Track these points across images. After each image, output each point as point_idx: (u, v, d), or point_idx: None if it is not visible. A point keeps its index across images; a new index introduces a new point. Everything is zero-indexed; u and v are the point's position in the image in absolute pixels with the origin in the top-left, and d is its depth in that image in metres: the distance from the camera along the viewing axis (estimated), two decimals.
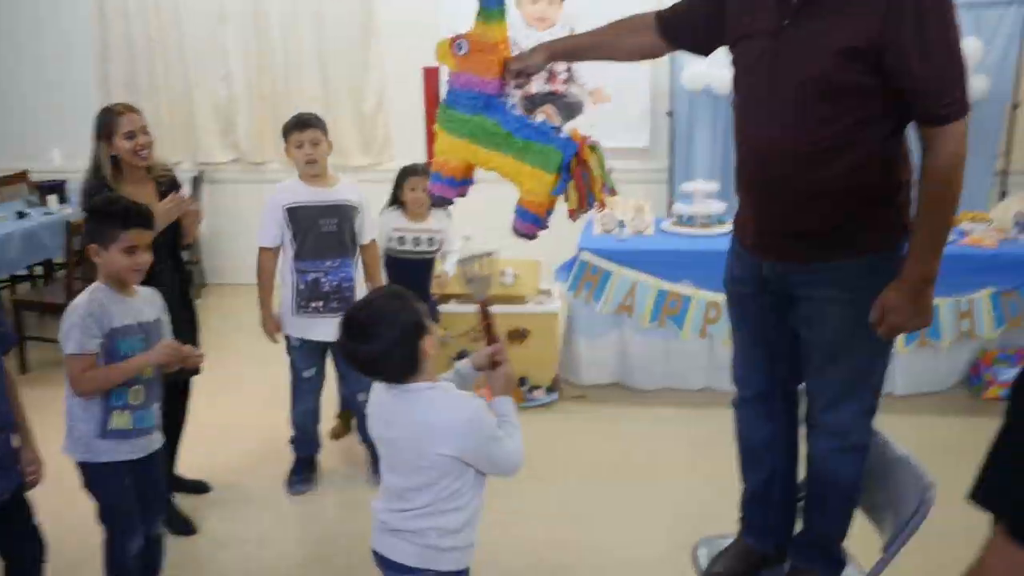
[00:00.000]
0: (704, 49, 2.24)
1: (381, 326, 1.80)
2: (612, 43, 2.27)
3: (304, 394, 3.41)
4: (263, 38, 5.91)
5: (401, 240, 3.64)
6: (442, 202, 2.23)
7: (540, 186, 1.97)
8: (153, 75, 6.09)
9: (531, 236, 2.04)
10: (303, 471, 3.42)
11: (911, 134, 1.99)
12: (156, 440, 2.48)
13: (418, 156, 5.85)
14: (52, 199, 5.40)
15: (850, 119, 1.90)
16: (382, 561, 1.94)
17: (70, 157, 6.09)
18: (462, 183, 2.13)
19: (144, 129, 2.96)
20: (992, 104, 4.93)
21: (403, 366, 1.82)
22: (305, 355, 3.34)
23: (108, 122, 2.90)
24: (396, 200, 3.69)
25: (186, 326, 3.06)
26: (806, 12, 1.90)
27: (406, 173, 3.67)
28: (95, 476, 2.36)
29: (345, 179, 3.38)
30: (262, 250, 3.30)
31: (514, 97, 2.13)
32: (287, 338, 3.37)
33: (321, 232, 3.21)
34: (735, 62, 2.09)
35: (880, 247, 2.02)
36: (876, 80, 1.86)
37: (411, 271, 3.65)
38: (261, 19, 5.88)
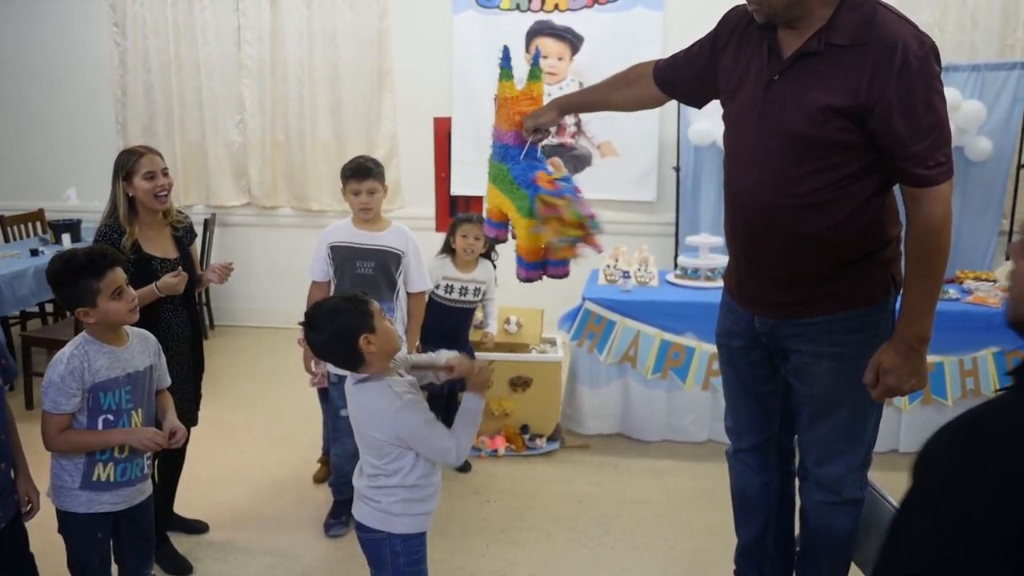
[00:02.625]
0: (697, 101, 2.30)
1: (323, 320, 2.12)
2: (614, 95, 2.37)
3: (342, 435, 3.34)
4: (279, 88, 6.04)
5: (449, 288, 3.75)
6: (496, 242, 2.46)
7: (519, 229, 2.14)
8: (169, 120, 6.21)
9: (531, 280, 2.16)
10: (342, 513, 3.36)
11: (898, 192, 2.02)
12: (143, 490, 2.46)
13: (428, 204, 5.96)
14: (66, 238, 5.47)
15: (834, 175, 1.93)
16: (356, 524, 2.26)
17: (86, 197, 6.20)
18: (499, 224, 2.34)
19: (164, 171, 2.96)
20: (996, 165, 4.98)
21: (345, 358, 2.14)
22: (343, 391, 3.32)
23: (128, 163, 2.91)
24: (448, 247, 3.81)
25: (190, 378, 3.09)
26: (797, 68, 1.94)
27: (459, 221, 3.80)
28: (70, 525, 2.34)
29: (397, 225, 3.39)
30: (312, 283, 3.37)
31: (539, 148, 2.28)
32: (326, 376, 3.38)
33: (356, 273, 3.26)
34: (726, 117, 2.14)
35: (868, 302, 2.04)
36: (860, 138, 1.89)
37: (452, 316, 3.77)
38: (278, 69, 6.01)
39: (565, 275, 2.20)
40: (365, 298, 2.14)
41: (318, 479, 3.81)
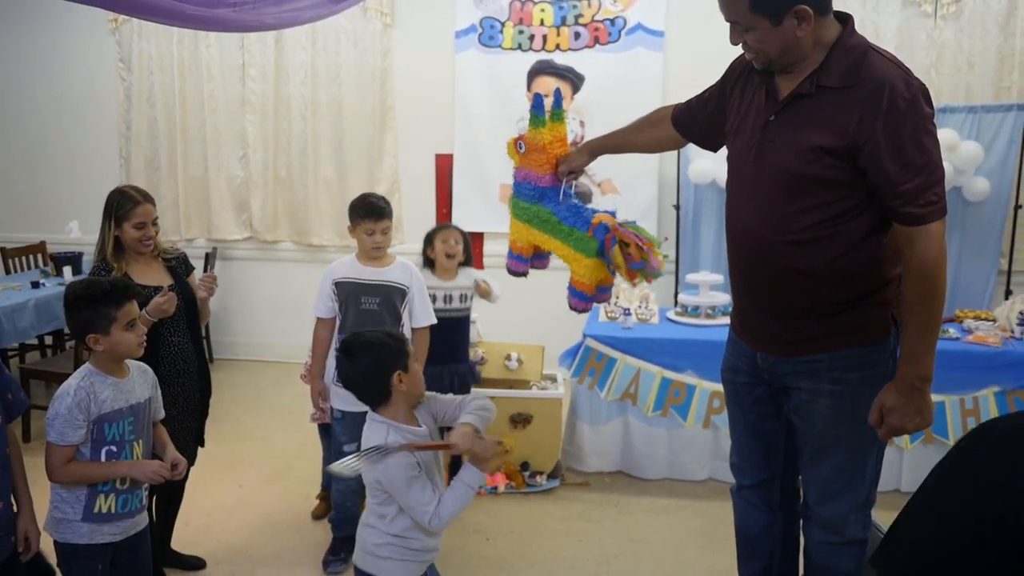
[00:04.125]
0: (711, 144, 2.35)
1: (362, 350, 2.13)
2: (638, 137, 2.48)
3: None
4: (282, 124, 6.10)
5: (432, 299, 3.64)
6: (517, 275, 2.57)
7: (581, 268, 2.30)
8: (173, 154, 6.26)
9: (581, 310, 2.35)
10: (341, 550, 3.33)
11: None
12: (141, 521, 2.45)
13: None
14: (67, 271, 5.48)
15: (827, 212, 1.96)
16: (354, 568, 2.25)
17: (88, 230, 6.20)
18: (532, 259, 2.52)
19: (155, 221, 2.97)
20: (993, 205, 5.02)
21: (373, 393, 2.15)
22: (347, 427, 3.28)
23: (123, 208, 2.91)
24: (427, 261, 3.79)
25: (194, 415, 3.09)
26: (790, 109, 1.99)
27: (436, 230, 3.81)
28: (70, 556, 2.33)
29: (401, 260, 3.42)
30: (318, 321, 3.36)
31: (572, 187, 2.45)
32: (330, 410, 3.38)
33: (361, 308, 3.27)
34: (728, 158, 2.19)
35: (867, 341, 2.04)
36: (852, 176, 1.92)
37: (447, 330, 3.65)
38: (281, 106, 6.07)
39: (607, 300, 2.48)
40: (404, 337, 2.18)
41: (317, 515, 3.78)
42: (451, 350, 3.71)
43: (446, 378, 3.66)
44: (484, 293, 3.87)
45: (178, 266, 3.10)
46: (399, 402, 2.13)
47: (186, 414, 3.02)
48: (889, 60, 1.93)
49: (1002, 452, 1.01)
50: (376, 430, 2.14)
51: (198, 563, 3.32)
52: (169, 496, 3.20)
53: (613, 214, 2.29)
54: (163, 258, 3.06)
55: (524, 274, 2.55)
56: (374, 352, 2.11)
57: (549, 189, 2.38)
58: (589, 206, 2.37)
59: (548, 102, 2.39)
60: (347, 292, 3.28)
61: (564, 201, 2.36)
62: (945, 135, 4.77)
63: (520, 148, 2.43)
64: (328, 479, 3.79)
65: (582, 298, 2.31)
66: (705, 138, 2.35)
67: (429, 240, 3.81)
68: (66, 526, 2.31)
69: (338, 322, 3.32)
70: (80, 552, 2.31)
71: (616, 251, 2.17)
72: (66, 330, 5.57)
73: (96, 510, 2.31)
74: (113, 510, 2.33)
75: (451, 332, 3.71)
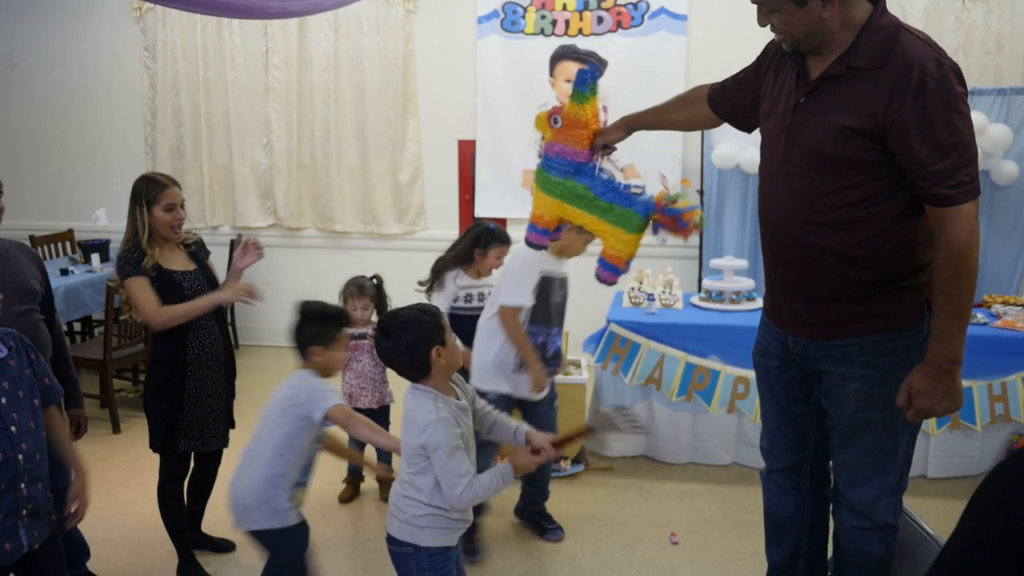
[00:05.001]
0: (745, 126, 2.34)
1: (400, 329, 2.17)
2: (674, 115, 2.49)
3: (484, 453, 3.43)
4: (305, 111, 6.12)
5: (468, 298, 3.66)
6: (537, 247, 2.60)
7: (619, 243, 2.32)
8: (198, 142, 6.30)
9: (611, 283, 2.38)
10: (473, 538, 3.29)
11: None
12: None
13: (452, 227, 5.99)
14: (95, 258, 5.54)
15: (858, 194, 1.95)
16: (387, 536, 2.29)
17: (115, 218, 6.28)
18: (555, 231, 2.55)
19: (182, 204, 3.03)
20: (1022, 188, 4.96)
21: (413, 368, 2.18)
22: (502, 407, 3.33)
23: (152, 192, 2.96)
24: (467, 258, 3.66)
25: (223, 397, 3.15)
26: (821, 91, 1.98)
27: (494, 239, 3.64)
28: (283, 539, 2.60)
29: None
30: (512, 309, 3.31)
31: (602, 162, 2.47)
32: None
33: (554, 302, 3.36)
34: (761, 139, 2.17)
35: (900, 325, 2.03)
36: (883, 157, 1.91)
37: (473, 327, 3.55)
38: (305, 93, 6.09)
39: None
40: (438, 311, 2.22)
41: (343, 499, 3.82)
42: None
43: None
44: None
45: (198, 251, 3.15)
46: (438, 375, 2.19)
47: (216, 396, 3.06)
48: (921, 40, 1.91)
49: None
50: (424, 398, 2.18)
51: (228, 545, 3.37)
52: (200, 480, 3.25)
53: (642, 188, 2.35)
54: (184, 244, 3.11)
55: (543, 247, 2.60)
56: (411, 330, 2.15)
57: (585, 165, 2.38)
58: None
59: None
60: (545, 286, 3.34)
61: (600, 176, 2.38)
62: (974, 118, 4.70)
63: (555, 123, 2.41)
64: (355, 465, 3.81)
65: (615, 271, 2.34)
66: (739, 119, 2.34)
67: (484, 243, 3.62)
68: (280, 513, 2.56)
69: (528, 312, 3.34)
70: (293, 532, 2.61)
71: (663, 218, 2.27)
72: (95, 316, 5.64)
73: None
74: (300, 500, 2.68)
75: (473, 329, 3.56)
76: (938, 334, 1.94)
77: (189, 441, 3.00)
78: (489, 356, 3.33)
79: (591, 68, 2.38)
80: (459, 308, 3.67)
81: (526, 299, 3.29)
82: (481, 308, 3.66)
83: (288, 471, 2.57)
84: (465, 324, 3.59)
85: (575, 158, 2.37)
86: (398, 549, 2.25)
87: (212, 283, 3.10)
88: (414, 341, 2.14)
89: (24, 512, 2.08)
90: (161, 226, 2.97)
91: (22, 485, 2.07)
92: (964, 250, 1.88)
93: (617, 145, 2.43)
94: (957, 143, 1.86)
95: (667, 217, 2.25)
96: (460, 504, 2.17)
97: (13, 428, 2.06)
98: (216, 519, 3.41)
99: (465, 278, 3.68)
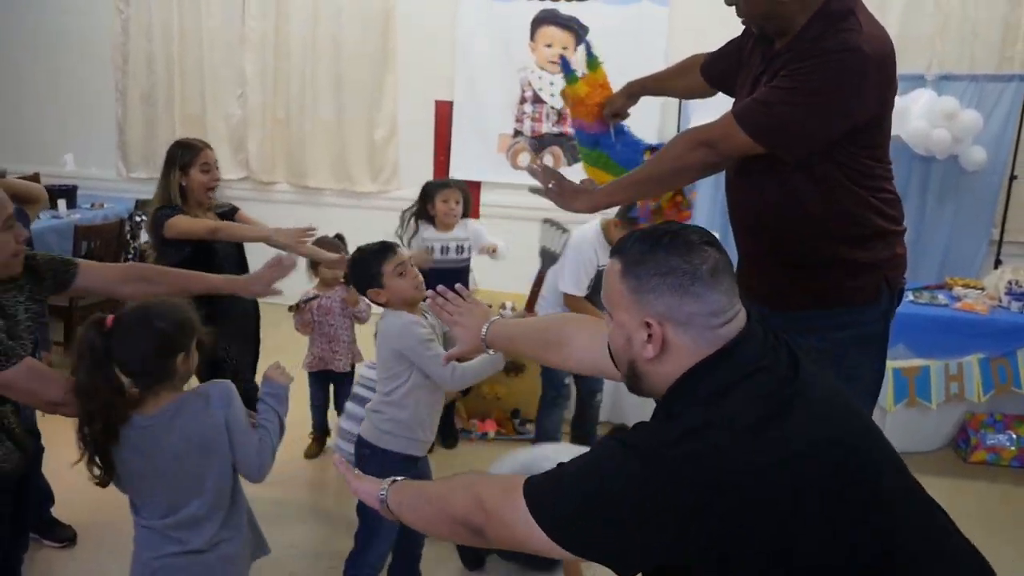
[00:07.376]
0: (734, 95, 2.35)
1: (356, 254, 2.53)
2: (674, 82, 2.57)
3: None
4: (281, 62, 6.04)
5: (431, 250, 3.69)
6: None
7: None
8: (170, 90, 6.20)
9: None
10: None
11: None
12: None
13: None
14: (62, 203, 5.45)
15: (783, 164, 1.98)
16: (356, 440, 2.55)
17: (82, 163, 6.18)
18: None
19: (217, 165, 3.17)
20: (989, 176, 5.05)
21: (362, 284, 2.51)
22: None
23: (188, 155, 3.09)
24: (425, 214, 3.76)
25: (254, 357, 3.34)
26: (769, 69, 2.01)
27: (436, 187, 3.77)
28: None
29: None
30: (575, 298, 3.49)
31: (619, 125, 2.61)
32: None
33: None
34: None
35: (853, 302, 2.05)
36: None
37: (446, 281, 3.59)
38: (281, 44, 6.00)
39: None
40: (392, 245, 2.51)
41: (309, 455, 3.85)
42: None
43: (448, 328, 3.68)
44: (492, 252, 3.90)
45: (226, 215, 3.26)
46: (396, 303, 2.44)
47: (246, 351, 3.24)
48: (862, 24, 1.89)
49: None
50: (393, 315, 2.43)
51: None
52: None
53: (657, 147, 2.45)
54: (215, 210, 3.23)
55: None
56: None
57: (600, 135, 2.54)
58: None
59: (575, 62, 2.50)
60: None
61: (618, 140, 2.54)
62: (946, 103, 4.78)
63: (567, 102, 2.62)
64: (320, 420, 3.85)
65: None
66: (729, 90, 2.37)
67: (429, 196, 3.75)
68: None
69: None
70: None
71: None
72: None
73: None
74: None
75: (449, 283, 3.67)
76: (609, 190, 2.18)
77: None
78: None
79: (585, 46, 2.48)
80: (440, 261, 3.70)
81: (582, 290, 3.45)
82: (459, 260, 3.77)
83: None
84: (450, 277, 3.63)
85: (589, 130, 2.56)
86: (362, 451, 2.47)
87: (240, 248, 3.24)
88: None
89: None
90: (198, 188, 3.09)
91: None
92: (689, 141, 2.02)
93: (629, 110, 2.54)
94: (783, 100, 1.88)
95: (671, 204, 2.39)
96: (453, 384, 2.43)
97: None
98: None
99: (432, 230, 3.74)
